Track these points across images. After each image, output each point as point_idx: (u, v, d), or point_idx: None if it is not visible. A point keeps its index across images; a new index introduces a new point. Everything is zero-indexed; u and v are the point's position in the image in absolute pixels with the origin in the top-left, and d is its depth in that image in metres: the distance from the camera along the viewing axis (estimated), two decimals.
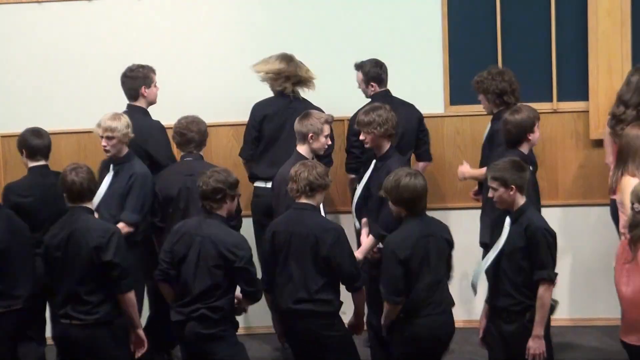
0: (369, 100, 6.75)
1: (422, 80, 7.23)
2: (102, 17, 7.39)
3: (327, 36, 7.30)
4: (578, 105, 7.19)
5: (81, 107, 7.30)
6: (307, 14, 7.34)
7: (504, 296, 5.45)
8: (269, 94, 6.89)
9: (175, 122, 6.45)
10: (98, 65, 7.33)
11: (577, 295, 7.14)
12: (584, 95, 7.15)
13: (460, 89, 7.09)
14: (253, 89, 6.89)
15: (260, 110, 6.84)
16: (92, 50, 7.37)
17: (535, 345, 5.42)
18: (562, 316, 6.82)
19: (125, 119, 6.32)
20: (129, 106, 6.73)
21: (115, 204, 6.28)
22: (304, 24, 7.32)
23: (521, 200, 5.47)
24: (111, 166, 6.36)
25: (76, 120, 7.28)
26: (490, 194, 5.53)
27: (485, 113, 6.64)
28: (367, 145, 6.19)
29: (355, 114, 6.55)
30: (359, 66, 6.84)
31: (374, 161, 6.18)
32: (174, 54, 7.35)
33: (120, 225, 6.12)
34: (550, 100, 7.22)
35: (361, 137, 6.14)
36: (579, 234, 7.13)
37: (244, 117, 6.94)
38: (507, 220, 5.51)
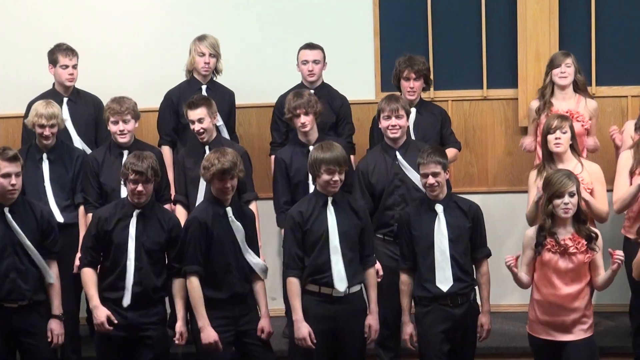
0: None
1: (353, 67, 7.28)
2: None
3: (258, 20, 7.31)
4: (507, 92, 7.29)
5: (9, 92, 7.23)
6: None
7: (455, 281, 5.58)
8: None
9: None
10: (26, 48, 7.26)
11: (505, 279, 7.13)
12: (513, 82, 7.24)
13: (390, 76, 6.98)
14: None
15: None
16: (20, 33, 7.32)
17: (488, 320, 5.70)
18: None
19: (57, 105, 6.37)
20: None
21: (66, 189, 6.31)
22: (234, 7, 7.33)
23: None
24: (44, 155, 6.30)
25: (4, 105, 7.22)
26: (431, 180, 5.61)
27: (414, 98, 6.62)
28: None
29: (283, 96, 6.64)
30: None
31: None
32: (105, 36, 7.34)
33: (83, 208, 6.27)
34: (481, 87, 7.32)
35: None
36: (507, 220, 7.21)
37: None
38: (439, 206, 5.64)
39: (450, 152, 6.54)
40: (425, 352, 5.67)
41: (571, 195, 5.37)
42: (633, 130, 6.37)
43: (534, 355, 5.69)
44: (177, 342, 5.69)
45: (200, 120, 6.23)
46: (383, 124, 6.11)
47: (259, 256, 5.80)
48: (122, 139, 6.27)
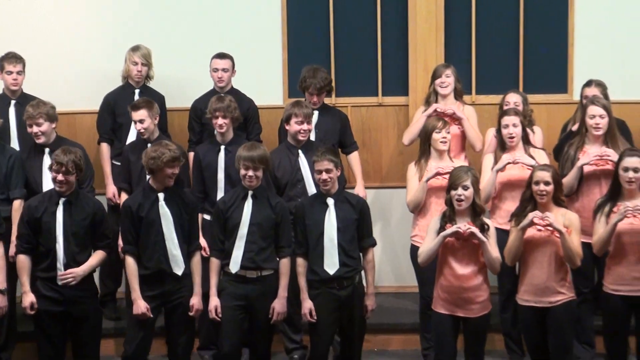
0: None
1: (264, 75, 7.80)
2: None
3: (183, 32, 7.79)
4: (399, 99, 7.82)
5: None
6: (152, 6, 7.83)
7: (341, 266, 6.12)
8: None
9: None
10: None
11: (396, 264, 7.77)
12: (404, 91, 7.78)
13: (297, 83, 7.35)
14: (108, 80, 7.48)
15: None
16: None
17: (372, 302, 6.29)
18: (383, 284, 7.62)
19: None
20: None
21: None
22: (163, 18, 7.79)
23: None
24: None
25: None
26: (324, 176, 6.14)
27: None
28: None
29: (197, 100, 7.19)
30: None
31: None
32: (51, 47, 7.73)
33: (18, 202, 6.63)
34: (376, 95, 7.87)
35: None
36: (398, 211, 7.61)
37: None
38: (331, 200, 6.19)
39: (355, 156, 7.28)
40: (315, 329, 6.21)
41: (465, 188, 5.90)
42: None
43: (436, 329, 6.12)
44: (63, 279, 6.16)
45: (141, 121, 6.77)
46: (295, 127, 6.66)
47: (197, 240, 6.35)
48: (37, 140, 6.78)
